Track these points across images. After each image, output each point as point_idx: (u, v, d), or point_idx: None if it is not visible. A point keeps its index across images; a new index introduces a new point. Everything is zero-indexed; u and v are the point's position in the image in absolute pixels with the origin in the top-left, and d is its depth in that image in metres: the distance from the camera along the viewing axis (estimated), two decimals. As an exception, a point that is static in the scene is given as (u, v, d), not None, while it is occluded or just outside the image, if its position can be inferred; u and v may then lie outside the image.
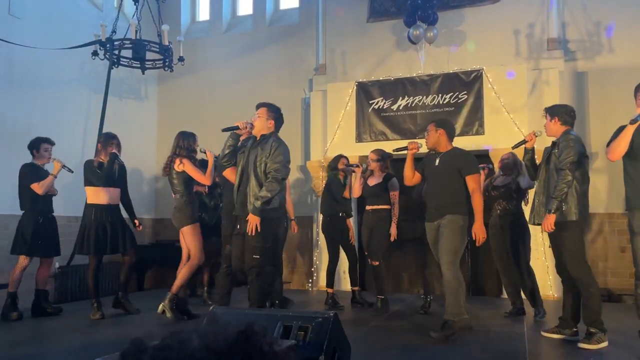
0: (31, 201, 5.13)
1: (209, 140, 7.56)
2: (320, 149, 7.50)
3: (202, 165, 5.09)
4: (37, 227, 5.09)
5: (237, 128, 4.11)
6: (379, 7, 7.81)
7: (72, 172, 5.35)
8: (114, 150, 5.13)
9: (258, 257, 3.88)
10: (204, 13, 9.30)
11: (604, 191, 6.69)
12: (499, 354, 3.61)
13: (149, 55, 6.47)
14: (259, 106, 4.19)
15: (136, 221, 5.33)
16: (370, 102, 7.28)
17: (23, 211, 5.18)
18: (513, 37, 7.10)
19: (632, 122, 3.52)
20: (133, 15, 6.56)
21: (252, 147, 4.09)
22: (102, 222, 5.01)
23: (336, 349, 2.68)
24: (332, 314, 2.77)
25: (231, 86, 8.49)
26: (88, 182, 5.13)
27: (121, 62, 6.49)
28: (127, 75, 7.85)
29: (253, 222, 3.85)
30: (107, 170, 5.06)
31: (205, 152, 4.93)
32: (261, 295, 3.96)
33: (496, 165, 5.49)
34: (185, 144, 4.88)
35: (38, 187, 5.10)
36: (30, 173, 5.15)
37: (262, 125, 4.08)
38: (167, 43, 6.38)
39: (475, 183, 4.09)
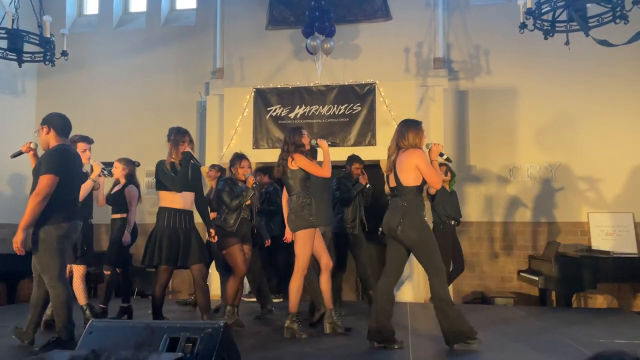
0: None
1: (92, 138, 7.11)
2: (216, 154, 7.36)
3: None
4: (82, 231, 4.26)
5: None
6: (278, 15, 7.87)
7: (112, 176, 4.85)
8: (187, 149, 4.46)
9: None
10: (92, 7, 8.76)
11: (477, 202, 7.29)
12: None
13: (28, 48, 5.95)
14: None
15: (212, 230, 4.60)
16: (268, 109, 7.30)
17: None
18: (403, 54, 7.51)
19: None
20: (10, 3, 6.01)
21: None
22: (175, 229, 4.41)
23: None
24: (222, 324, 2.72)
25: (121, 85, 8.07)
26: (161, 186, 4.47)
27: (-6, 53, 5.91)
28: (1, 68, 7.15)
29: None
30: (182, 173, 4.39)
31: (317, 145, 4.59)
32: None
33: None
34: (292, 139, 4.48)
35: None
36: None
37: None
38: (48, 35, 5.91)
39: (40, 183, 3.64)
